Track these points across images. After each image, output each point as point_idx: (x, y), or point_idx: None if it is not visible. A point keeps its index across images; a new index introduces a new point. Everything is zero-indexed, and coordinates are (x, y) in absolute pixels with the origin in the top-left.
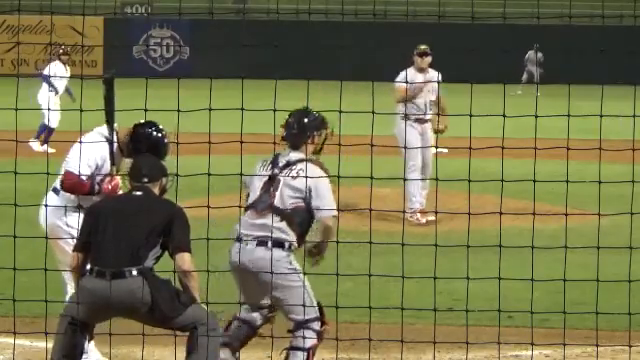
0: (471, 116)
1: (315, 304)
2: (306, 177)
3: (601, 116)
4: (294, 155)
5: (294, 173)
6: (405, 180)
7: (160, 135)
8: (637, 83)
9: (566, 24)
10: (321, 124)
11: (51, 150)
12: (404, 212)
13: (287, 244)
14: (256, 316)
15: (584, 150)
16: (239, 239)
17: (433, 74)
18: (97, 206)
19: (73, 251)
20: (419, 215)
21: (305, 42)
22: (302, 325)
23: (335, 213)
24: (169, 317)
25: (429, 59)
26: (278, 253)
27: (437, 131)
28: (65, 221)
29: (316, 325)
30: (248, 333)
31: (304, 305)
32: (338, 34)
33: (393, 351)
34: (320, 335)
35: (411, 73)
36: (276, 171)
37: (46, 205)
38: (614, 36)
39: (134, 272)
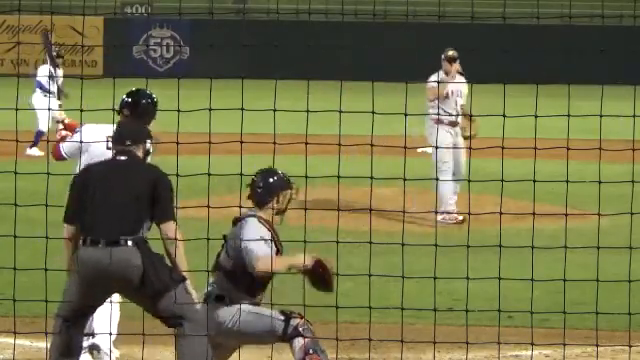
0: (471, 116)
1: (277, 317)
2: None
3: (601, 116)
4: (250, 212)
5: (236, 229)
6: (438, 181)
7: (150, 101)
8: (637, 83)
9: (566, 24)
10: (286, 184)
11: (39, 153)
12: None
13: (227, 299)
14: None
15: (584, 150)
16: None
17: (461, 79)
18: (81, 175)
19: (64, 221)
20: (456, 214)
21: (305, 42)
22: (288, 339)
23: (259, 257)
24: (158, 292)
25: (457, 65)
26: (218, 306)
27: (466, 137)
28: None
29: (293, 330)
30: None
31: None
32: (338, 34)
33: (393, 351)
34: (306, 328)
35: (441, 76)
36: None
37: None
38: (614, 36)
39: (129, 242)
